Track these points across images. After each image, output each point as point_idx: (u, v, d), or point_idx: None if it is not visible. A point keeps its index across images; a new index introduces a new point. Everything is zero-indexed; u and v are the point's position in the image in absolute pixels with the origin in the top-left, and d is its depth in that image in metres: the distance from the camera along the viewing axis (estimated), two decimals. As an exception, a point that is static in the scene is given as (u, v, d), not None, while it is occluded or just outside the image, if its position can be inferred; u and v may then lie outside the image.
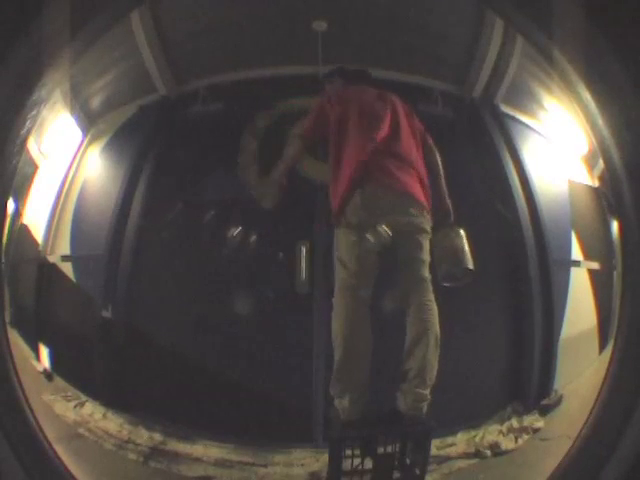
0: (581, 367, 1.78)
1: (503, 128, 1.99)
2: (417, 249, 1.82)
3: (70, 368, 1.88)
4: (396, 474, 1.66)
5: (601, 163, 1.45)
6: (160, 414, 1.83)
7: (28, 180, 1.71)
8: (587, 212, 1.88)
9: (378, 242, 1.76)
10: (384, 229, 1.77)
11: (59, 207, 1.91)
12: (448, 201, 1.88)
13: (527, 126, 1.97)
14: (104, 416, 1.80)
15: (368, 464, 1.64)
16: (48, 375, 1.82)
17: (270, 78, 2.00)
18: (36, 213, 1.82)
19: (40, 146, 1.69)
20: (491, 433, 1.79)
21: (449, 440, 1.76)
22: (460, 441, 1.76)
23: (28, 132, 1.31)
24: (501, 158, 1.99)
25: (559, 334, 1.90)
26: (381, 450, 1.63)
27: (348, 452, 1.63)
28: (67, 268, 1.95)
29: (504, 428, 1.82)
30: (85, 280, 1.98)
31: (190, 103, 2.00)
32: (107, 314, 1.90)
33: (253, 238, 1.95)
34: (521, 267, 1.95)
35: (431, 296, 1.77)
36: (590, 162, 1.73)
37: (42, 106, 1.31)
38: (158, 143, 2.03)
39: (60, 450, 1.41)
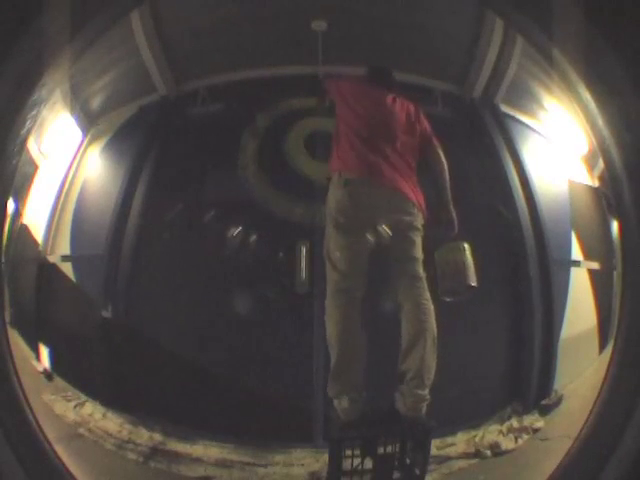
0: (581, 367, 1.78)
1: (503, 128, 1.99)
2: (410, 247, 1.80)
3: (70, 368, 1.88)
4: (396, 474, 1.66)
5: (601, 163, 1.45)
6: (160, 414, 1.83)
7: (28, 180, 1.71)
8: (587, 212, 1.88)
9: (377, 242, 1.75)
10: (384, 229, 1.76)
11: (59, 207, 1.91)
12: (453, 212, 1.85)
13: (527, 126, 1.97)
14: (104, 416, 1.80)
15: (368, 464, 1.64)
16: (48, 375, 1.82)
17: (270, 78, 2.00)
18: (36, 213, 1.82)
19: (40, 146, 1.69)
20: (491, 433, 1.79)
21: (449, 440, 1.76)
22: (460, 441, 1.76)
23: (28, 132, 1.31)
24: (501, 158, 1.99)
25: (559, 334, 1.90)
26: (381, 450, 1.63)
27: (348, 452, 1.63)
28: (67, 268, 1.95)
29: (504, 428, 1.82)
30: (85, 280, 1.98)
31: (190, 103, 2.00)
32: (107, 314, 1.90)
33: (253, 238, 1.95)
34: (521, 267, 1.95)
35: (427, 295, 1.76)
36: (590, 162, 1.73)
37: (42, 106, 1.31)
38: (158, 143, 2.03)
39: (60, 450, 1.41)
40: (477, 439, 1.78)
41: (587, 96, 1.29)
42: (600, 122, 1.30)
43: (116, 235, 1.93)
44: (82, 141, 1.91)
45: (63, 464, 1.38)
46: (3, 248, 1.51)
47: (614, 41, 1.19)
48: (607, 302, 1.64)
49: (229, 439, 1.78)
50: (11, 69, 1.17)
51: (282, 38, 1.98)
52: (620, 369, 1.31)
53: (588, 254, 1.91)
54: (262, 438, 1.79)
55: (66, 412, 1.78)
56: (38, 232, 1.87)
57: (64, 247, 1.94)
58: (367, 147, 1.83)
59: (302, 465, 1.72)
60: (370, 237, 1.74)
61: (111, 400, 1.83)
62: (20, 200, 1.69)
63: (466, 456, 1.75)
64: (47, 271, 1.92)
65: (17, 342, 1.62)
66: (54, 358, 1.86)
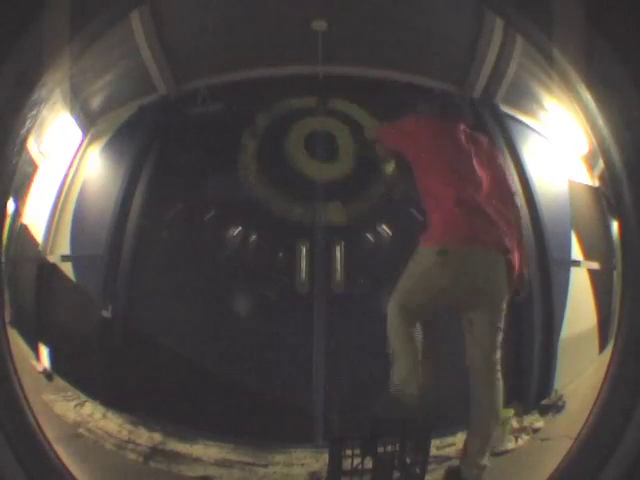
0: (581, 367, 1.77)
1: (503, 128, 1.99)
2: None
3: (70, 368, 1.88)
4: (396, 474, 1.66)
5: (601, 163, 1.45)
6: (160, 414, 1.83)
7: (28, 180, 1.71)
8: (587, 212, 1.88)
9: None
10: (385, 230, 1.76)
11: (59, 207, 1.91)
12: (527, 274, 1.78)
13: (527, 126, 1.97)
14: (104, 416, 1.80)
15: (368, 464, 1.64)
16: (48, 375, 1.82)
17: (270, 78, 2.00)
18: (36, 213, 1.82)
19: (40, 146, 1.69)
20: (491, 433, 1.79)
21: (449, 440, 1.76)
22: (460, 441, 1.76)
23: (28, 132, 1.31)
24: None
25: (559, 334, 1.90)
26: (381, 450, 1.62)
27: (348, 452, 1.63)
28: (67, 268, 1.95)
29: (504, 428, 1.82)
30: (85, 280, 1.98)
31: (190, 103, 2.00)
32: (107, 314, 1.90)
33: (253, 238, 1.95)
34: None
35: (500, 374, 1.71)
36: (590, 162, 1.73)
37: (42, 106, 1.31)
38: (158, 143, 2.03)
39: (60, 450, 1.41)
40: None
41: (587, 96, 1.29)
42: (600, 122, 1.30)
43: (116, 235, 1.93)
44: (82, 141, 1.91)
45: (63, 464, 1.38)
46: (3, 248, 1.51)
47: (614, 41, 1.19)
48: (607, 302, 1.64)
49: (229, 439, 1.78)
50: (11, 69, 1.17)
51: (282, 38, 1.98)
52: (620, 369, 1.31)
53: (588, 254, 1.91)
54: (262, 438, 1.79)
55: (66, 412, 1.78)
56: (38, 232, 1.87)
57: (64, 247, 1.94)
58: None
59: (302, 465, 1.72)
60: None
61: (111, 400, 1.83)
62: (20, 200, 1.69)
63: (466, 456, 1.74)
64: (47, 271, 1.91)
65: (17, 342, 1.62)
66: (54, 358, 1.86)
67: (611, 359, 1.35)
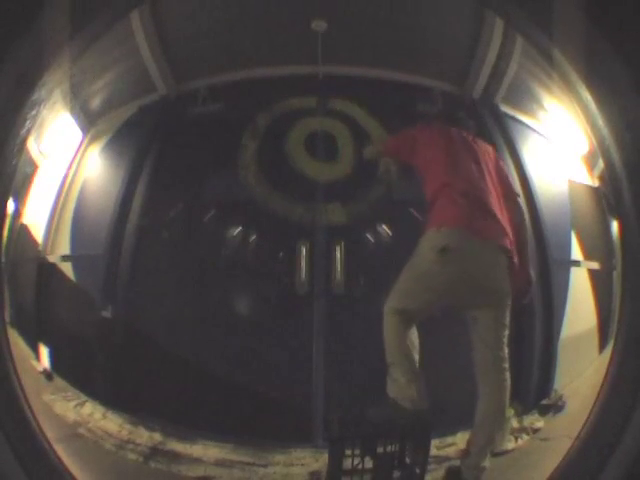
0: (581, 367, 1.77)
1: (503, 128, 1.99)
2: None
3: (70, 368, 1.88)
4: (396, 474, 1.66)
5: (601, 163, 1.45)
6: (160, 414, 1.83)
7: (28, 180, 1.71)
8: (587, 212, 1.88)
9: None
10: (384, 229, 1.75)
11: (59, 207, 1.91)
12: (532, 275, 1.78)
13: (527, 126, 1.97)
14: (104, 416, 1.80)
15: (368, 463, 1.64)
16: (48, 375, 1.82)
17: (270, 78, 2.00)
18: (36, 213, 1.82)
19: (40, 146, 1.68)
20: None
21: (449, 440, 1.76)
22: (460, 441, 1.76)
23: (28, 132, 1.31)
24: (501, 158, 1.99)
25: (559, 334, 1.90)
26: (381, 450, 1.62)
27: (348, 452, 1.63)
28: (67, 268, 1.95)
29: (504, 428, 1.82)
30: (85, 280, 1.98)
31: (190, 103, 2.00)
32: (107, 314, 1.90)
33: (253, 238, 1.95)
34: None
35: (508, 374, 1.68)
36: (590, 162, 1.73)
37: (42, 106, 1.31)
38: (158, 143, 2.03)
39: (60, 450, 1.41)
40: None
41: (587, 96, 1.29)
42: (600, 122, 1.30)
43: (116, 235, 1.93)
44: (82, 141, 1.91)
45: (63, 464, 1.38)
46: (3, 248, 1.51)
47: (614, 41, 1.19)
48: (607, 302, 1.64)
49: (229, 439, 1.78)
50: (11, 69, 1.17)
51: (282, 38, 1.98)
52: (620, 369, 1.31)
53: (588, 254, 1.91)
54: (262, 438, 1.79)
55: (66, 412, 1.78)
56: (38, 232, 1.87)
57: (64, 247, 1.94)
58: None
59: (302, 465, 1.72)
60: None
61: (111, 400, 1.83)
62: (20, 200, 1.69)
63: (466, 456, 1.75)
64: (47, 271, 1.91)
65: (17, 342, 1.62)
66: (54, 358, 1.86)
67: (611, 359, 1.35)
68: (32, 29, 1.17)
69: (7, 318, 1.44)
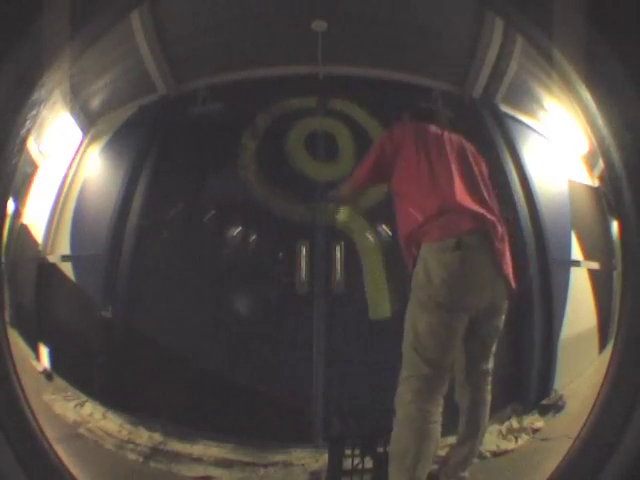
0: (581, 367, 1.77)
1: (503, 128, 1.99)
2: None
3: (70, 368, 1.88)
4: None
5: (601, 163, 1.45)
6: (160, 414, 1.83)
7: (28, 180, 1.71)
8: (587, 212, 1.88)
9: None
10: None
11: (59, 207, 1.91)
12: (512, 280, 1.62)
13: (527, 126, 1.98)
14: (104, 416, 1.80)
15: (368, 463, 1.64)
16: (48, 375, 1.82)
17: (270, 78, 2.00)
18: (36, 213, 1.82)
19: (40, 146, 1.68)
20: (491, 433, 1.79)
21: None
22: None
23: (28, 132, 1.30)
24: (501, 158, 1.99)
25: (559, 334, 1.90)
26: (381, 450, 1.62)
27: (348, 452, 1.63)
28: (67, 268, 1.95)
29: (504, 428, 1.82)
30: (85, 280, 1.98)
31: (190, 103, 2.00)
32: (107, 314, 1.90)
33: (253, 238, 1.96)
34: (521, 267, 1.95)
35: (490, 387, 1.62)
36: (590, 162, 1.73)
37: (42, 106, 1.31)
38: (158, 143, 2.03)
39: (60, 450, 1.41)
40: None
41: (587, 96, 1.29)
42: (600, 122, 1.30)
43: (116, 235, 1.93)
44: (82, 141, 1.91)
45: (63, 464, 1.38)
46: (3, 248, 1.51)
47: (614, 41, 1.19)
48: (607, 302, 1.64)
49: (229, 439, 1.78)
50: (11, 69, 1.17)
51: (282, 38, 1.98)
52: (620, 369, 1.31)
53: (588, 254, 1.91)
54: (262, 438, 1.79)
55: (66, 412, 1.78)
56: (38, 232, 1.87)
57: (64, 247, 1.94)
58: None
59: (302, 465, 1.72)
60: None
61: (111, 400, 1.83)
62: (20, 200, 1.69)
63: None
64: (47, 271, 1.92)
65: (17, 342, 1.61)
66: (54, 358, 1.86)
67: (611, 359, 1.34)
68: (32, 29, 1.17)
69: (7, 318, 1.44)
